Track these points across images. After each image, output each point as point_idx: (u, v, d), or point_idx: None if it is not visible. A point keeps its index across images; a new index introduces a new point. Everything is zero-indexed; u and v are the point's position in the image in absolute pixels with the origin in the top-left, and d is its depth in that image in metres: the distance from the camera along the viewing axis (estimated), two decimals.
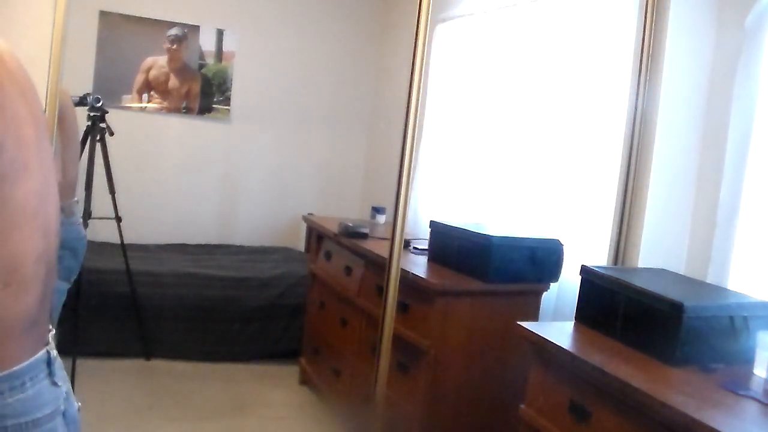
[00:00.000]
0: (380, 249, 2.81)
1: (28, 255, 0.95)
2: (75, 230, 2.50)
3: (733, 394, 1.52)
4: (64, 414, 1.02)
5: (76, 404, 1.08)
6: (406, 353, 2.50)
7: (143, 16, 4.36)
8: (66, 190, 2.44)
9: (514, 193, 3.11)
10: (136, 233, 4.24)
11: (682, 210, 2.33)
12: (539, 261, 2.53)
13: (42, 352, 0.98)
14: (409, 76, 2.05)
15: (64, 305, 2.56)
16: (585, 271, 2.06)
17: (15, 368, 0.93)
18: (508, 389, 2.45)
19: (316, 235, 3.60)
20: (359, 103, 4.98)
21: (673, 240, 2.33)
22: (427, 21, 2.01)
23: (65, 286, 2.47)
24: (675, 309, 1.70)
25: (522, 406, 1.91)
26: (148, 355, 3.70)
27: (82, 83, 4.10)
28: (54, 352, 1.02)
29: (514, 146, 3.15)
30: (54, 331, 1.07)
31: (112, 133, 3.38)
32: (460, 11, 3.65)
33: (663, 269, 2.26)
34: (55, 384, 1.00)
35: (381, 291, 2.34)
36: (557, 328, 2.04)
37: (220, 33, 4.56)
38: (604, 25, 2.69)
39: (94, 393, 3.18)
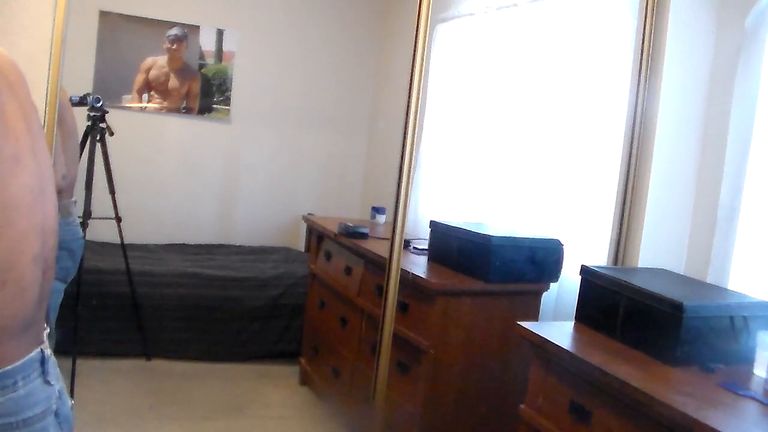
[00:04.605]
0: (380, 249, 2.81)
1: (24, 254, 0.94)
2: (72, 231, 2.49)
3: (733, 394, 1.52)
4: (56, 413, 1.01)
5: (70, 402, 1.08)
6: (406, 353, 2.49)
7: (143, 16, 4.36)
8: (65, 190, 2.44)
9: (514, 193, 3.11)
10: (136, 233, 4.23)
11: (682, 210, 2.33)
12: (539, 261, 2.53)
13: (36, 352, 0.98)
14: (409, 76, 2.05)
15: (63, 305, 2.56)
16: (585, 271, 2.06)
17: (8, 368, 0.92)
18: (508, 389, 2.45)
19: (316, 235, 3.60)
20: (359, 103, 4.98)
21: (673, 240, 2.33)
22: (427, 21, 2.01)
23: (62, 286, 2.47)
24: (675, 309, 1.70)
25: (522, 406, 1.90)
26: (148, 355, 3.70)
27: (82, 83, 4.10)
28: (48, 351, 1.02)
29: (515, 146, 3.14)
30: (49, 329, 1.06)
31: (112, 133, 3.38)
32: (460, 11, 3.65)
33: (663, 269, 2.26)
34: (47, 383, 0.99)
35: (381, 291, 2.34)
36: (557, 328, 2.04)
37: (220, 33, 4.56)
38: (604, 25, 2.68)
39: (94, 393, 3.18)
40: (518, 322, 1.95)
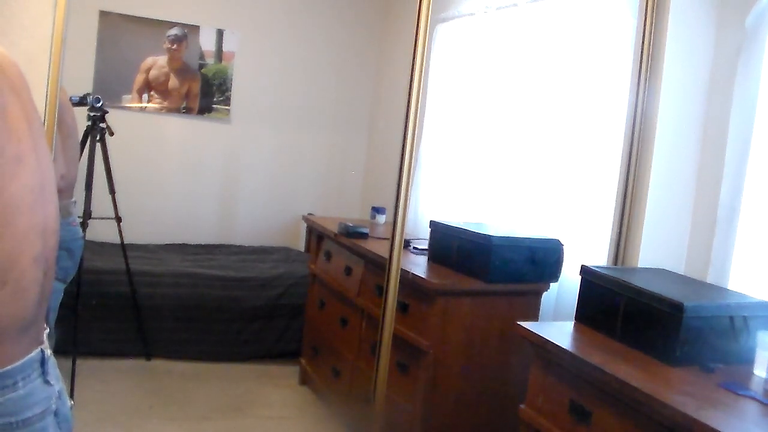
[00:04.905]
0: (380, 249, 2.81)
1: (24, 254, 0.94)
2: (72, 231, 2.49)
3: (733, 394, 1.52)
4: (56, 413, 1.01)
5: (69, 403, 1.08)
6: (406, 353, 2.49)
7: (143, 16, 4.36)
8: (64, 190, 2.44)
9: (514, 193, 3.11)
10: (136, 233, 4.24)
11: (682, 210, 2.33)
12: (539, 261, 2.53)
13: (36, 352, 0.98)
14: (409, 76, 2.05)
15: (62, 305, 2.56)
16: (585, 271, 2.06)
17: (8, 368, 0.92)
18: (507, 389, 2.45)
19: (316, 235, 3.60)
20: (359, 103, 4.98)
21: (673, 240, 2.33)
22: (427, 21, 2.01)
23: (61, 286, 2.47)
24: (675, 309, 1.70)
25: (522, 406, 1.90)
26: (148, 355, 3.70)
27: (82, 83, 4.10)
28: (48, 351, 1.02)
29: (515, 146, 3.14)
30: (48, 330, 1.06)
31: (112, 133, 3.38)
32: (460, 11, 3.65)
33: (663, 269, 2.26)
34: (47, 383, 0.99)
35: (381, 291, 2.34)
36: (557, 328, 2.04)
37: (220, 33, 4.56)
38: (604, 25, 2.69)
39: (94, 393, 3.18)
40: (518, 322, 1.95)
